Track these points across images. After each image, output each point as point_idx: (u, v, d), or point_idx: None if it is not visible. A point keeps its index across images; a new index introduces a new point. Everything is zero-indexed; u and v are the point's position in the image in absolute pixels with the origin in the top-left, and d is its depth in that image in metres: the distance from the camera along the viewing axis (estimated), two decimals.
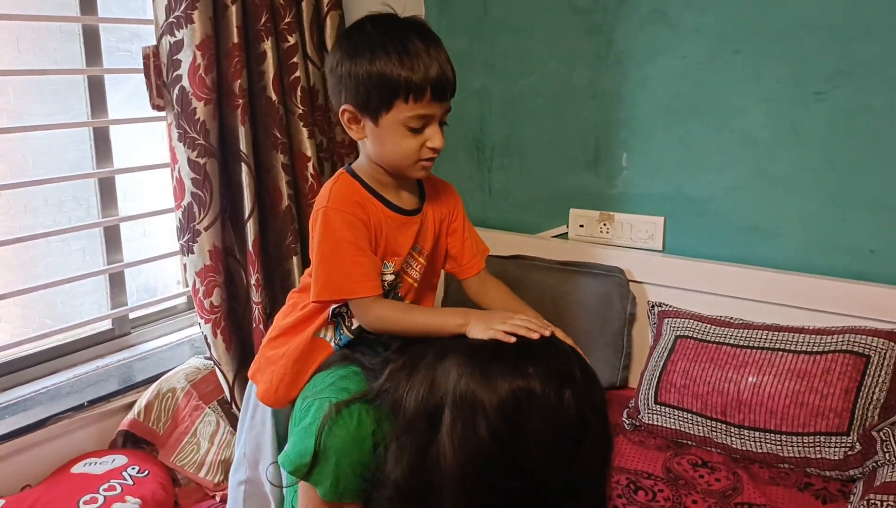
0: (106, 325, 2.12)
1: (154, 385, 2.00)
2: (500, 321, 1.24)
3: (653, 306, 2.39)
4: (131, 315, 2.18)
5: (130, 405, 1.99)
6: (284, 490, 1.49)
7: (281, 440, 1.57)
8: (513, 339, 1.21)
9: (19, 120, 1.88)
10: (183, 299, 2.32)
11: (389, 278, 1.46)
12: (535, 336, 1.22)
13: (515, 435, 1.13)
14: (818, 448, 1.94)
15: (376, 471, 1.25)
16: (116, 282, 2.10)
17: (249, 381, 1.56)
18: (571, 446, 1.15)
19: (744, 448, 2.02)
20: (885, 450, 1.86)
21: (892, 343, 1.99)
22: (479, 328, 1.26)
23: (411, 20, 1.39)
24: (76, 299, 2.03)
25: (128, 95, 2.08)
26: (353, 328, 1.47)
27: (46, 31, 1.89)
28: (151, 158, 2.16)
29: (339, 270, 1.37)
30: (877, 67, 2.04)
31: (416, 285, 1.51)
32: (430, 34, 1.37)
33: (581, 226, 2.54)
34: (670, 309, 2.34)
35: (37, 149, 1.90)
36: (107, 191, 2.01)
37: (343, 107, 1.39)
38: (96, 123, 1.97)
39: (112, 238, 2.05)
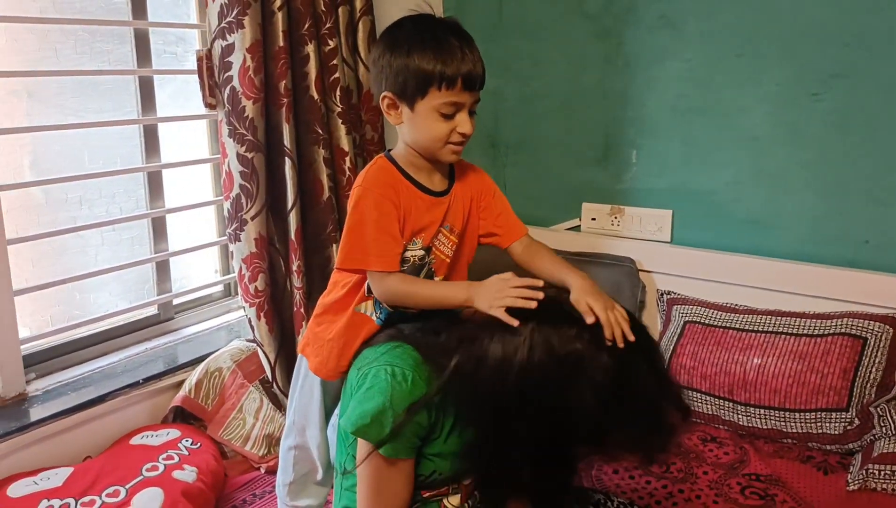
0: (152, 310, 2.20)
1: (202, 365, 2.09)
2: (499, 298, 1.33)
3: (662, 294, 2.47)
4: (174, 302, 2.26)
5: (178, 384, 2.07)
6: (333, 456, 1.59)
7: (328, 410, 1.67)
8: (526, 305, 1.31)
9: (76, 117, 1.95)
10: (220, 288, 2.41)
11: (419, 253, 1.54)
12: (533, 304, 1.31)
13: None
14: (819, 424, 2.02)
15: (430, 430, 1.36)
16: (162, 270, 2.18)
17: (299, 355, 1.65)
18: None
19: (749, 425, 2.11)
20: (882, 425, 1.95)
21: (888, 327, 2.08)
22: (483, 305, 1.35)
23: (447, 20, 1.50)
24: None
25: (170, 94, 2.16)
26: None
27: (101, 35, 1.96)
28: (191, 153, 2.24)
29: (360, 244, 1.47)
30: (869, 70, 2.12)
31: (448, 260, 1.59)
32: (462, 32, 1.48)
33: (593, 219, 2.62)
34: (678, 296, 2.42)
35: (91, 144, 1.98)
36: (155, 184, 2.10)
37: (384, 94, 1.49)
38: (146, 120, 2.04)
39: (159, 229, 2.13)
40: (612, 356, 1.28)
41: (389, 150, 1.60)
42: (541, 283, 1.35)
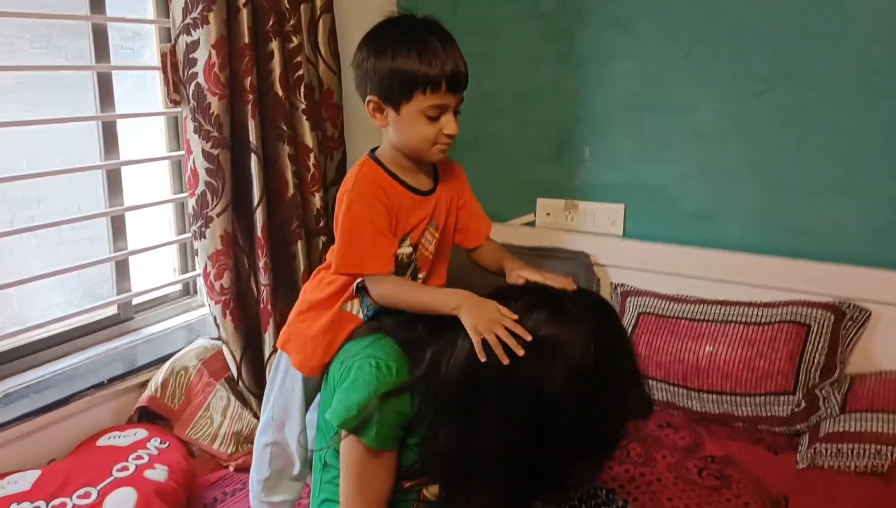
0: (111, 310, 2.16)
1: (167, 364, 2.06)
2: (486, 328, 1.31)
3: (616, 287, 2.54)
4: (133, 301, 2.22)
5: (143, 384, 2.04)
6: (311, 451, 1.59)
7: (308, 405, 1.67)
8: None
9: (35, 113, 1.91)
10: (178, 287, 2.38)
11: (407, 250, 1.56)
12: (517, 352, 1.29)
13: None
14: (768, 407, 2.12)
15: (413, 420, 1.37)
16: (122, 269, 2.15)
17: (279, 350, 1.65)
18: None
19: (703, 410, 2.19)
20: (827, 406, 2.05)
21: (829, 313, 2.18)
22: (469, 322, 1.34)
23: (427, 20, 1.51)
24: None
25: (128, 90, 2.13)
26: None
27: (58, 29, 1.92)
28: (147, 151, 2.21)
29: (356, 247, 1.48)
30: (808, 69, 2.22)
31: (430, 257, 1.62)
32: (444, 33, 1.49)
33: (547, 214, 2.68)
34: (632, 289, 2.49)
35: (50, 141, 1.93)
36: (114, 182, 2.06)
37: (369, 98, 1.49)
38: (105, 116, 2.00)
39: (118, 227, 2.10)
40: (586, 337, 1.29)
41: (373, 150, 1.60)
42: (529, 337, 1.31)
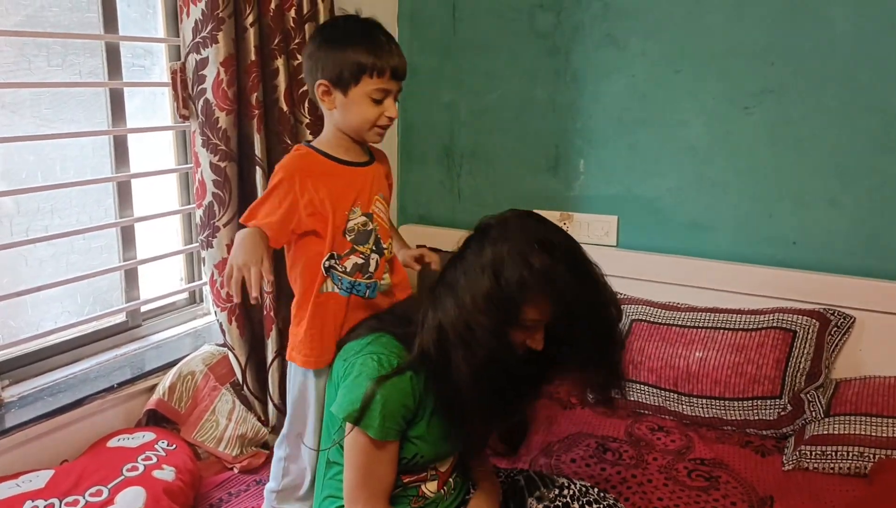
0: (120, 318, 2.22)
1: (175, 369, 2.11)
2: (237, 266, 1.47)
3: None
4: (142, 309, 2.28)
5: (151, 389, 2.09)
6: (320, 452, 1.65)
7: (321, 416, 1.72)
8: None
9: (51, 128, 1.97)
10: (185, 296, 2.44)
11: (361, 219, 1.66)
12: (251, 294, 1.45)
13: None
14: (756, 411, 2.17)
15: (415, 413, 1.44)
16: (131, 278, 2.20)
17: (289, 362, 1.71)
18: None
19: (693, 414, 2.24)
20: (812, 410, 2.11)
21: (814, 320, 2.25)
22: (236, 258, 1.48)
23: (372, 20, 1.67)
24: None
25: (138, 106, 2.19)
26: (348, 269, 1.64)
27: (73, 48, 1.98)
28: (157, 164, 2.27)
29: (258, 203, 1.62)
30: (795, 85, 2.29)
31: (388, 227, 1.74)
32: (387, 32, 1.65)
33: None
34: (625, 297, 2.55)
35: (65, 154, 1.99)
36: (124, 194, 2.12)
37: (319, 82, 1.62)
38: (117, 131, 2.07)
39: (128, 237, 2.16)
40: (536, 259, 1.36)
41: (308, 141, 1.76)
42: (269, 283, 1.50)
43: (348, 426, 1.44)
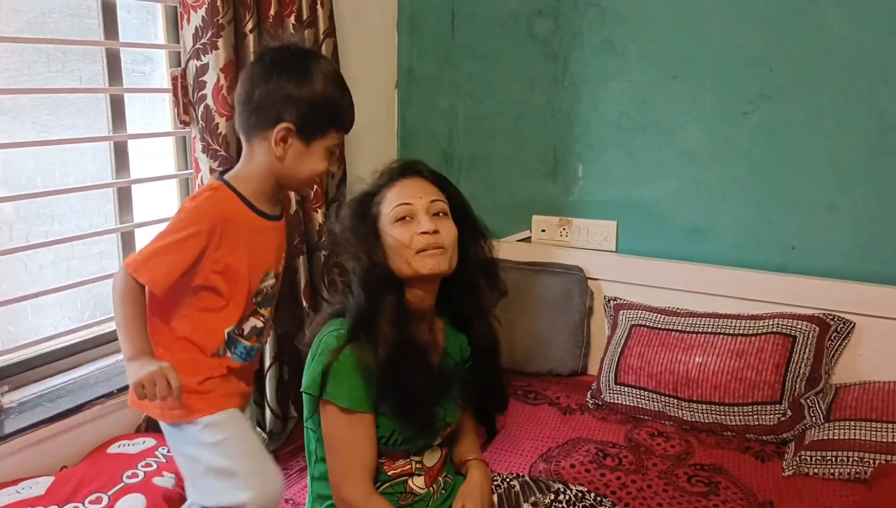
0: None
1: None
2: (145, 382, 1.30)
3: (609, 300, 2.60)
4: None
5: None
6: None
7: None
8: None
9: (50, 134, 1.97)
10: None
11: (271, 281, 1.54)
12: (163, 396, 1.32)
13: None
14: (755, 416, 2.17)
15: (381, 386, 1.43)
16: None
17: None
18: None
19: (693, 419, 2.24)
20: (812, 415, 2.11)
21: (814, 326, 2.25)
22: (131, 374, 1.33)
23: (321, 54, 1.60)
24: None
25: (138, 111, 2.19)
26: (245, 333, 1.52)
27: (73, 54, 1.99)
28: (157, 169, 2.28)
29: (151, 252, 1.39)
30: (792, 91, 2.30)
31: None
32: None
33: (543, 230, 2.74)
34: (624, 302, 2.55)
35: (65, 160, 2.00)
36: (124, 199, 2.12)
37: (284, 125, 1.42)
38: (118, 137, 2.07)
39: (128, 243, 2.15)
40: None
41: (223, 172, 1.53)
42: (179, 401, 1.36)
43: (321, 403, 1.44)
